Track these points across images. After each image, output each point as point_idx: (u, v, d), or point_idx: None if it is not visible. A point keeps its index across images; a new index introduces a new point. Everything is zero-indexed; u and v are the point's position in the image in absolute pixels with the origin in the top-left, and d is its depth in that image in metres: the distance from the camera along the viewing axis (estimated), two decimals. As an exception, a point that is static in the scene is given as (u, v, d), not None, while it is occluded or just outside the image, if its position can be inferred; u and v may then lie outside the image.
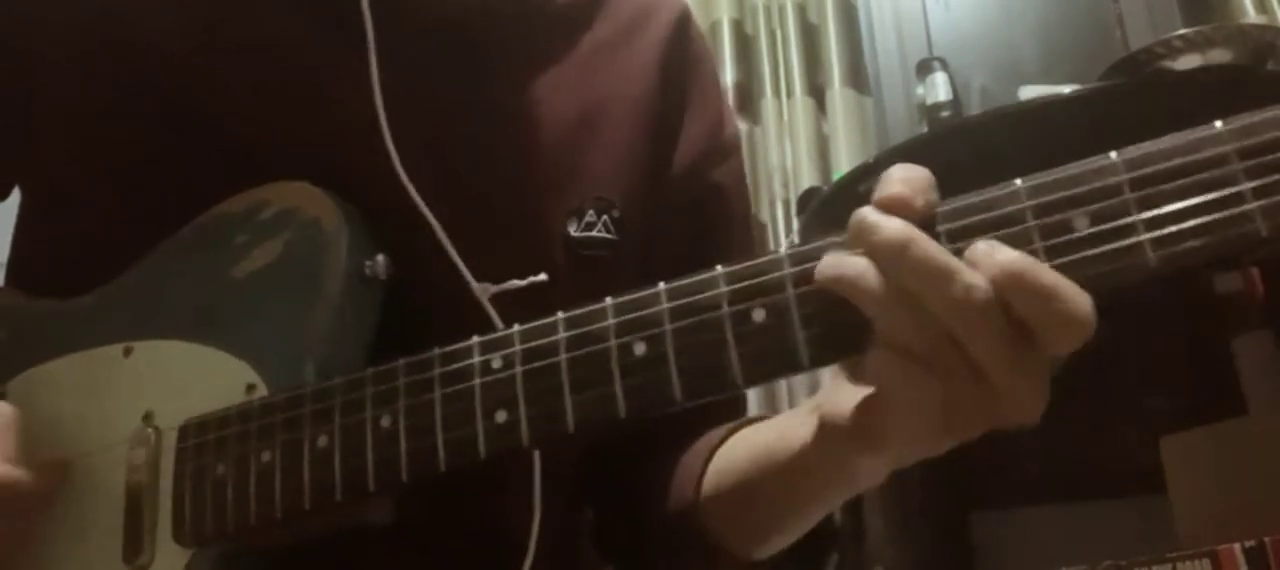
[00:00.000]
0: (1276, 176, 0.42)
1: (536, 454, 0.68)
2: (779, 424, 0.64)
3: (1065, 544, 1.57)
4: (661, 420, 0.53)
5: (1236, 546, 1.01)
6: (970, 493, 1.72)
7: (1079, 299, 0.43)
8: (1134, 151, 0.45)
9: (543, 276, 0.69)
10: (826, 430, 0.55)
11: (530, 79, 0.77)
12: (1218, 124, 0.44)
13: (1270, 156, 0.43)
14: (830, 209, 1.63)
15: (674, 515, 0.69)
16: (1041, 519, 1.72)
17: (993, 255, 0.44)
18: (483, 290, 0.67)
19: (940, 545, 1.71)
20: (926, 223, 0.46)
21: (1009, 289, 0.44)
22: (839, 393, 0.53)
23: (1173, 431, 1.28)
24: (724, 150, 0.84)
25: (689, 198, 0.80)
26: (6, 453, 0.62)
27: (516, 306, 0.67)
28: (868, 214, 0.47)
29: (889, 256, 0.45)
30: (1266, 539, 0.99)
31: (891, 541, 1.59)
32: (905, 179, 0.47)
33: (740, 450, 0.68)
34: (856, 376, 0.51)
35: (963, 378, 0.45)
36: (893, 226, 0.45)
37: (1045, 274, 0.44)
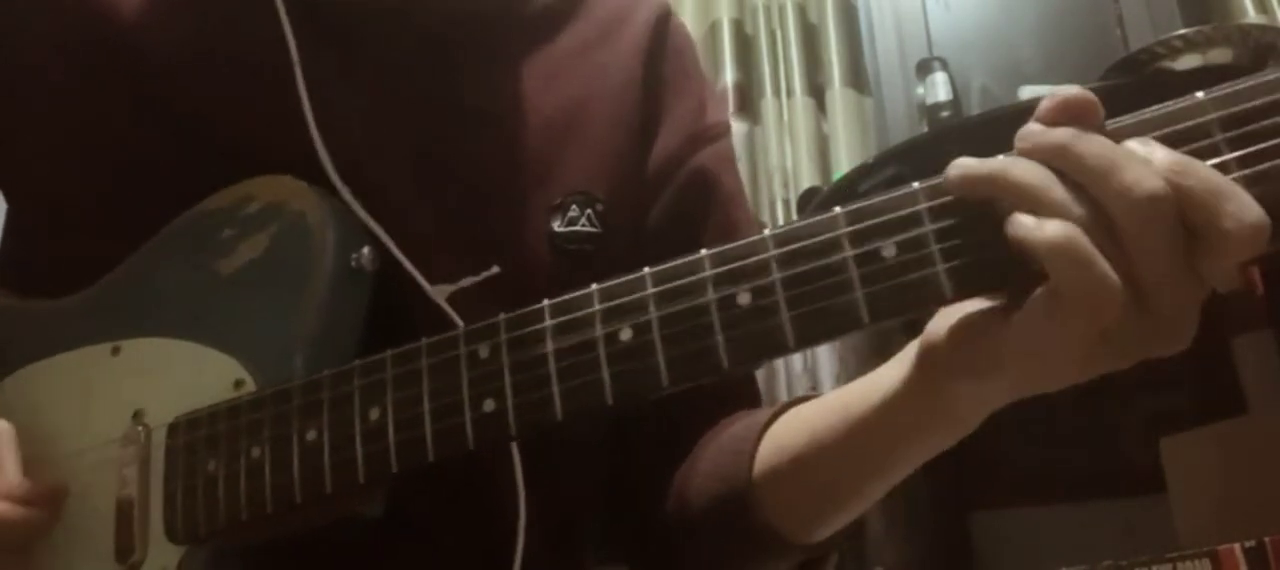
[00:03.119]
0: (1260, 146, 0.42)
1: (514, 447, 0.67)
2: (850, 389, 0.61)
3: (1065, 544, 1.56)
4: (685, 415, 0.52)
5: (1236, 546, 1.00)
6: (970, 493, 1.71)
7: (1250, 202, 0.42)
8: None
9: (495, 269, 0.68)
10: (936, 364, 0.53)
11: (508, 80, 0.77)
12: (1199, 94, 0.44)
13: (1253, 125, 0.43)
14: (830, 209, 1.63)
15: (720, 502, 0.67)
16: (1041, 519, 1.72)
17: (1155, 151, 0.43)
18: (438, 292, 0.67)
19: (940, 545, 1.71)
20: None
21: (1178, 184, 0.42)
22: (945, 325, 0.51)
23: (1173, 431, 1.27)
24: (706, 135, 0.83)
25: (672, 183, 0.80)
26: (8, 479, 0.62)
27: (500, 304, 0.67)
28: (1030, 126, 0.46)
29: (1054, 151, 0.45)
30: (1266, 539, 0.99)
31: (891, 541, 1.59)
32: (1080, 94, 0.46)
33: (801, 424, 0.65)
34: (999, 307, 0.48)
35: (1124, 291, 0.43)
36: (1057, 130, 0.45)
37: (1213, 173, 0.42)
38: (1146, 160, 0.43)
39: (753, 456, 0.66)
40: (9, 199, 0.79)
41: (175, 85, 0.71)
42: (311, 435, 0.58)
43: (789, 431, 0.66)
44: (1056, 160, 0.45)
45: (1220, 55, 1.48)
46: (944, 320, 0.52)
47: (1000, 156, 0.46)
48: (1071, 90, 0.46)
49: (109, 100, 0.72)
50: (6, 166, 0.78)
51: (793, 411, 0.68)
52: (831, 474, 0.63)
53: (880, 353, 0.60)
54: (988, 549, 1.75)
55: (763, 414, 0.69)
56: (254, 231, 0.65)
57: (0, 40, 0.75)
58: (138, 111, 0.71)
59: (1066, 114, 0.45)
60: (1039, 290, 0.45)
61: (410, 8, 0.75)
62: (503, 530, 0.67)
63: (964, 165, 0.47)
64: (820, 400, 0.65)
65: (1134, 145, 0.44)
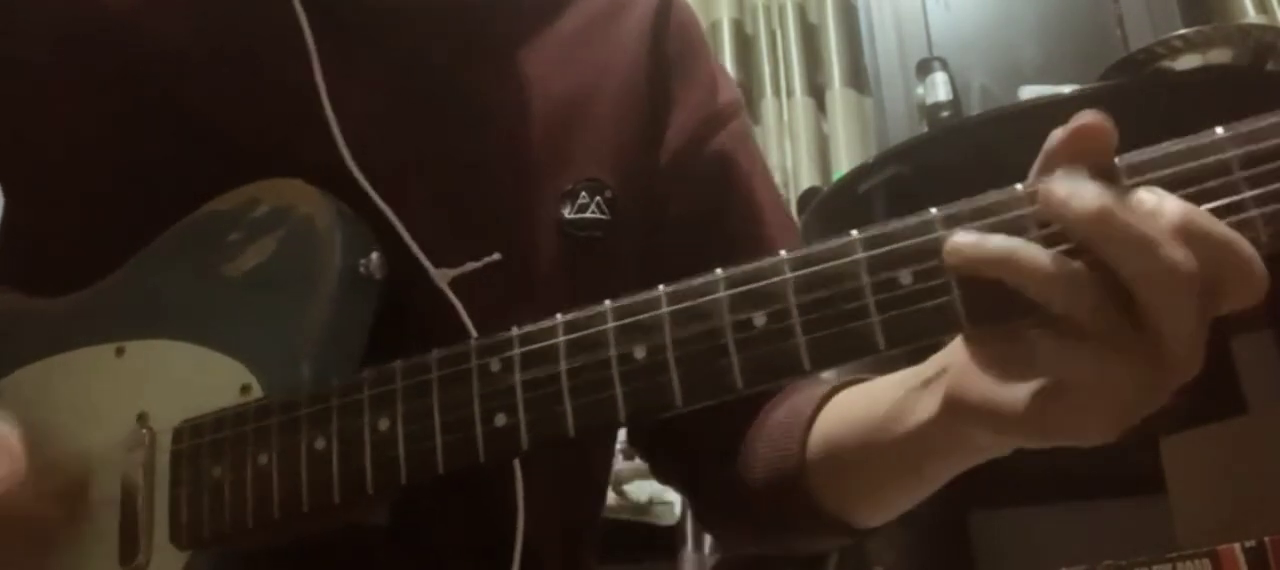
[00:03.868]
0: (1278, 185, 0.42)
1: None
2: (887, 396, 0.61)
3: (1065, 544, 1.57)
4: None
5: (1236, 546, 1.00)
6: (970, 493, 1.71)
7: (1254, 255, 0.42)
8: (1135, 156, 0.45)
9: (496, 256, 0.68)
10: (959, 416, 0.52)
11: (514, 66, 0.77)
12: (1219, 130, 0.44)
13: (1272, 164, 0.42)
14: (830, 209, 1.63)
15: (777, 482, 0.68)
16: (1041, 519, 1.72)
17: (1164, 205, 0.43)
18: (441, 275, 0.67)
19: (940, 545, 1.71)
20: (1111, 169, 0.45)
21: (1191, 241, 0.42)
22: (971, 377, 0.51)
23: (1173, 431, 1.27)
24: (721, 116, 0.82)
25: (693, 170, 0.79)
26: (20, 480, 0.61)
27: (510, 291, 0.67)
28: (1059, 184, 0.44)
29: (1086, 225, 0.43)
30: (1266, 539, 0.99)
31: (891, 541, 1.59)
32: (1095, 116, 0.45)
33: (845, 420, 0.66)
34: (1018, 368, 0.48)
35: (1139, 355, 0.44)
36: (1090, 193, 0.43)
37: (1220, 224, 0.42)
38: (1157, 213, 0.42)
39: (804, 442, 0.67)
40: (8, 196, 0.79)
41: (179, 82, 0.71)
42: (320, 444, 0.57)
43: (837, 425, 0.66)
44: (1087, 230, 0.43)
45: (1220, 55, 1.49)
46: (968, 376, 0.51)
47: (1004, 243, 0.45)
48: (1085, 120, 0.45)
49: (109, 98, 0.71)
50: (6, 164, 0.78)
51: (840, 399, 0.68)
52: (875, 476, 0.64)
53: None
54: (988, 549, 1.75)
55: (812, 396, 0.69)
56: (261, 235, 0.65)
57: (21, 34, 0.75)
58: (139, 109, 0.71)
59: (1082, 142, 0.45)
60: (1047, 383, 0.46)
61: (408, 3, 0.74)
62: (502, 530, 0.68)
63: (964, 249, 0.45)
64: (866, 400, 0.65)
65: (1145, 196, 0.43)
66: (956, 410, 0.53)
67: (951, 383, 0.53)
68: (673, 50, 0.82)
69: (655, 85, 0.80)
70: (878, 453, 0.61)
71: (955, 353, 0.53)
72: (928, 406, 0.55)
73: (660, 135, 0.79)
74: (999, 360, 0.49)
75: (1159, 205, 0.43)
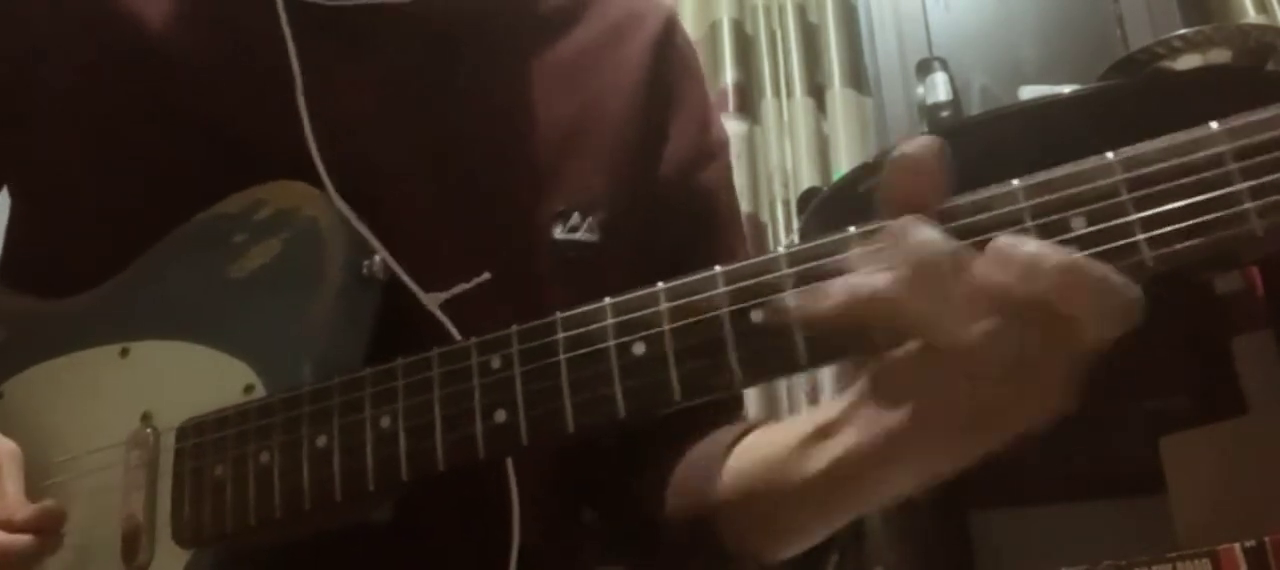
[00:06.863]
0: (1272, 177, 0.42)
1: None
2: (796, 437, 0.61)
3: (1065, 544, 1.57)
4: (661, 418, 0.52)
5: (1236, 546, 1.01)
6: (970, 493, 1.72)
7: (1104, 271, 0.43)
8: (1131, 152, 0.45)
9: (486, 276, 0.68)
10: (859, 454, 0.54)
11: (515, 84, 0.77)
12: (1213, 125, 0.44)
13: (1266, 156, 0.43)
14: (830, 209, 1.64)
15: (690, 517, 0.69)
16: (1041, 519, 1.73)
17: (1020, 247, 0.44)
18: (432, 300, 0.67)
19: (940, 545, 1.71)
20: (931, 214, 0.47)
21: (1057, 285, 0.43)
22: (868, 415, 0.52)
23: (1173, 431, 1.28)
24: (710, 152, 0.84)
25: (678, 201, 0.80)
26: (8, 503, 0.61)
27: (501, 309, 0.67)
28: (915, 230, 0.46)
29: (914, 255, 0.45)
30: (1266, 539, 0.99)
31: (891, 541, 1.59)
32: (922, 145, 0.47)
33: (758, 460, 0.67)
34: (884, 392, 0.50)
35: (1000, 377, 0.45)
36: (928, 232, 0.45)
37: (1060, 251, 0.44)
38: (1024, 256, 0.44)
39: (717, 479, 0.68)
40: (14, 196, 0.80)
41: (188, 89, 0.71)
42: (321, 441, 0.58)
43: (749, 464, 0.67)
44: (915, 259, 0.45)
45: (1220, 55, 1.49)
46: (870, 421, 0.53)
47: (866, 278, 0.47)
48: (915, 148, 0.47)
49: (126, 103, 0.72)
50: (17, 161, 0.78)
51: (756, 439, 0.69)
52: (787, 515, 0.64)
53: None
54: (987, 549, 1.75)
55: (728, 434, 0.70)
56: (266, 237, 0.66)
57: (26, 32, 0.75)
58: (153, 115, 0.71)
59: (913, 171, 0.47)
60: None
61: (419, 9, 0.75)
62: (501, 529, 0.68)
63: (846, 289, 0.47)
64: (777, 440, 0.66)
65: (1005, 241, 0.45)
66: (858, 450, 0.54)
67: (860, 425, 0.54)
68: (672, 79, 0.83)
69: (652, 113, 0.80)
70: (785, 494, 0.62)
71: (853, 395, 0.54)
72: (836, 446, 0.56)
73: (654, 162, 0.80)
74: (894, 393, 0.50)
75: (1016, 245, 0.44)
